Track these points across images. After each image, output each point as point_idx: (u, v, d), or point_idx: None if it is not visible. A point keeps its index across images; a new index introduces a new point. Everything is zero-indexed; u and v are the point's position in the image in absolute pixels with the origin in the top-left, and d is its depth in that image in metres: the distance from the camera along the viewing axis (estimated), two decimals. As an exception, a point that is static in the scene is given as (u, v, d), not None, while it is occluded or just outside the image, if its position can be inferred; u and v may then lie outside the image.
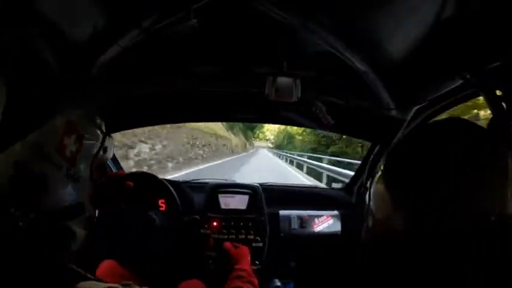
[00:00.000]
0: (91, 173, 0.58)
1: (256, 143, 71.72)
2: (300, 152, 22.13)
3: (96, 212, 0.97)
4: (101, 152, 0.60)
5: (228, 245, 1.20)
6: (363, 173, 1.62)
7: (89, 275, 0.52)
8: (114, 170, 1.70)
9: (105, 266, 1.10)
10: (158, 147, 9.13)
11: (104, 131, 0.63)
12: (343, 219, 1.66)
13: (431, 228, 0.45)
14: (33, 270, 0.47)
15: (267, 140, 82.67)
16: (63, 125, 0.51)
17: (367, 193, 0.59)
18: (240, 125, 34.16)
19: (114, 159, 1.73)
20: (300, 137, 28.10)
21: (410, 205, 0.47)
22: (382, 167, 0.54)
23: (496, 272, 0.42)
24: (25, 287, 0.46)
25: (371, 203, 0.57)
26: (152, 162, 8.55)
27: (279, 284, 1.55)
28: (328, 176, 9.05)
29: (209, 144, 15.88)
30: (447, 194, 0.44)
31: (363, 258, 0.63)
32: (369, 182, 0.61)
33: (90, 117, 0.58)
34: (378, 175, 0.55)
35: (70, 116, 0.52)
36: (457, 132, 0.48)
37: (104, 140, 0.60)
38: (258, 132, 78.64)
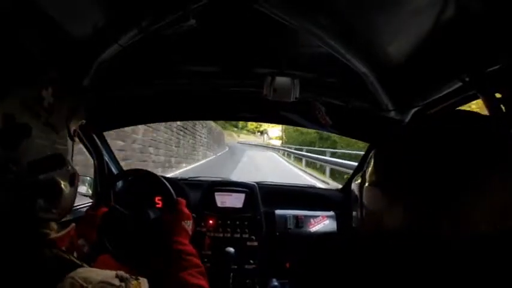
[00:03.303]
0: (67, 125, 0.61)
1: (242, 137, 52.15)
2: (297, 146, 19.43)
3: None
4: (74, 109, 0.64)
5: (182, 202, 1.11)
6: (361, 173, 1.62)
7: (84, 265, 0.52)
8: (113, 168, 1.70)
9: (101, 261, 1.10)
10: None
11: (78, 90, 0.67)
12: (339, 219, 1.66)
13: (426, 230, 0.44)
14: (20, 258, 0.47)
15: (261, 133, 60.08)
16: (43, 80, 0.55)
17: (360, 190, 0.58)
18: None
19: (113, 158, 1.72)
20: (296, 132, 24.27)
21: (402, 205, 0.46)
22: (373, 163, 0.54)
23: (494, 274, 0.41)
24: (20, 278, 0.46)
25: (363, 200, 0.56)
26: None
27: (276, 283, 1.55)
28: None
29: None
30: (443, 194, 0.42)
31: (355, 253, 0.63)
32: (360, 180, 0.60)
33: (65, 79, 0.62)
34: (369, 172, 0.54)
35: (48, 74, 0.56)
36: (459, 126, 0.46)
37: (76, 97, 0.64)
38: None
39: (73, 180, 0.60)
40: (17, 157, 0.49)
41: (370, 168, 0.55)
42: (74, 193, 0.61)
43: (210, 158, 16.19)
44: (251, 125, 54.72)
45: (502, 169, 0.41)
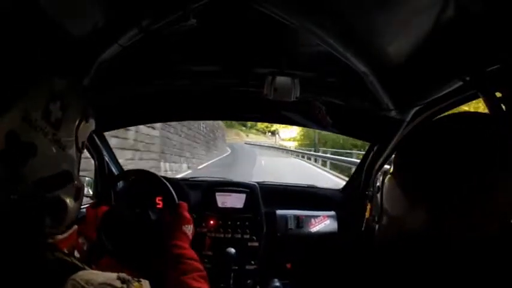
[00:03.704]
0: (76, 139, 0.59)
1: (251, 137, 48.09)
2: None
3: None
4: (84, 122, 0.61)
5: (183, 206, 1.10)
6: (361, 173, 1.62)
7: (86, 267, 0.52)
8: (114, 169, 1.70)
9: (104, 263, 1.10)
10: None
11: (87, 100, 0.65)
12: (339, 220, 1.66)
13: (449, 230, 0.44)
14: (23, 261, 0.47)
15: (272, 133, 53.91)
16: (48, 92, 0.52)
17: (379, 192, 0.58)
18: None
19: (114, 158, 1.72)
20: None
21: (427, 206, 0.46)
22: (394, 165, 0.54)
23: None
24: (20, 279, 0.46)
25: (384, 202, 0.56)
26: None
27: (278, 284, 1.55)
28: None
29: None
30: (466, 194, 0.43)
31: (372, 257, 0.63)
32: (379, 182, 0.60)
33: (73, 86, 0.60)
34: (390, 174, 0.54)
35: (55, 85, 0.53)
36: (479, 127, 0.46)
37: (85, 109, 0.62)
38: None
39: (78, 194, 0.59)
40: (21, 176, 0.48)
41: (390, 171, 0.55)
42: (79, 205, 0.61)
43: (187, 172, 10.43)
44: (261, 124, 47.66)
45: None
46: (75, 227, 0.61)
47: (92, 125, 0.64)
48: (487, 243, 0.42)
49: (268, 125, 47.66)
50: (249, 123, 44.66)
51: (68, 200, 0.55)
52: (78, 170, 0.62)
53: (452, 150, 0.45)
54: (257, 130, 57.99)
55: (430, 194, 0.45)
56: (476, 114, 0.49)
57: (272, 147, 30.17)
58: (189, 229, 1.02)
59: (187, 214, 1.07)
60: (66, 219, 0.56)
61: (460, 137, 0.45)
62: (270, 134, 56.64)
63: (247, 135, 50.17)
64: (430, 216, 0.45)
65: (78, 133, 0.59)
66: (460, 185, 0.43)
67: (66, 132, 0.55)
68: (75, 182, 0.58)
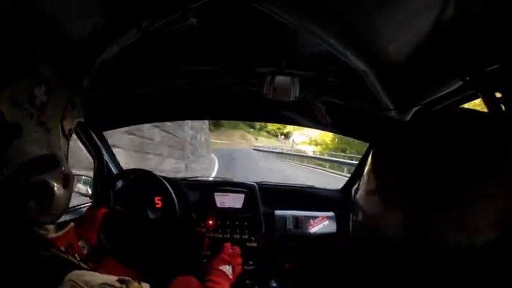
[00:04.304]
0: (61, 124, 0.59)
1: (260, 141, 39.76)
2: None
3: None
4: (69, 106, 0.61)
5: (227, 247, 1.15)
6: (361, 174, 1.62)
7: (83, 264, 0.52)
8: (113, 168, 1.70)
9: (104, 265, 1.10)
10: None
11: (75, 88, 0.65)
12: (338, 220, 1.66)
13: (424, 233, 0.43)
14: (19, 258, 0.47)
15: (286, 136, 45.91)
16: (35, 78, 0.53)
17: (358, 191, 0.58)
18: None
19: (113, 158, 1.72)
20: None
21: (401, 206, 0.46)
22: (370, 164, 0.53)
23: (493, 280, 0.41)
24: (16, 277, 0.46)
25: (360, 200, 0.55)
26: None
27: (275, 284, 1.55)
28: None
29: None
30: (443, 198, 0.41)
31: (353, 256, 0.62)
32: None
33: (59, 75, 0.60)
34: (367, 172, 0.53)
35: (40, 71, 0.55)
36: (460, 126, 0.44)
37: (72, 95, 0.62)
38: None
39: (67, 181, 0.58)
40: (6, 158, 0.48)
41: (366, 171, 0.54)
42: (69, 194, 0.60)
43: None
44: (271, 125, 41.88)
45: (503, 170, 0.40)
46: (72, 224, 0.61)
47: (79, 113, 0.64)
48: (474, 245, 0.41)
49: (281, 126, 41.17)
50: (257, 125, 39.60)
51: (54, 185, 0.55)
52: (66, 158, 0.62)
53: (432, 151, 0.43)
54: (268, 132, 47.95)
55: (409, 194, 0.44)
56: (460, 111, 0.48)
57: (292, 154, 21.22)
58: (227, 269, 1.05)
59: (225, 256, 1.11)
60: (54, 206, 0.55)
61: (445, 135, 0.44)
62: (282, 137, 49.00)
63: (257, 139, 41.66)
64: (407, 220, 0.44)
65: (65, 118, 0.60)
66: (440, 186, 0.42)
67: (51, 115, 0.56)
68: (63, 168, 0.57)
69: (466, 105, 0.95)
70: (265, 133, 46.51)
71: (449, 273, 0.42)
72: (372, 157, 0.53)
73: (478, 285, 0.41)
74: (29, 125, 0.51)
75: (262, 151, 23.39)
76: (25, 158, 0.51)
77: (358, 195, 0.55)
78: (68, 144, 0.62)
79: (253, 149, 26.27)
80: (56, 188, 0.55)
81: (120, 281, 0.50)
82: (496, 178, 0.40)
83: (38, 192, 0.53)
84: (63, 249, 0.55)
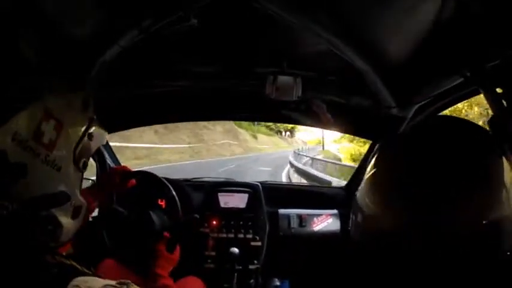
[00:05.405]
0: (74, 159, 0.56)
1: (260, 141, 33.03)
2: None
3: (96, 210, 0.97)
4: (86, 138, 0.57)
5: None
6: (364, 171, 1.62)
7: (86, 270, 0.53)
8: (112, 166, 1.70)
9: (105, 265, 1.10)
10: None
11: (92, 117, 0.62)
12: (342, 218, 1.66)
13: (421, 229, 0.44)
14: (23, 265, 0.47)
15: (290, 132, 40.50)
16: (42, 112, 0.49)
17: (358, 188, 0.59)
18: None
19: (115, 160, 1.73)
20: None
21: (400, 204, 0.46)
22: (373, 163, 0.54)
23: (486, 274, 0.41)
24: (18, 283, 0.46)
25: (360, 199, 0.56)
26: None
27: (278, 283, 1.55)
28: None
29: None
30: (439, 195, 0.43)
31: (353, 254, 0.63)
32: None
33: (73, 104, 0.56)
34: (369, 171, 0.54)
35: (49, 103, 0.50)
36: (453, 131, 0.48)
37: (88, 127, 0.59)
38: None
39: (77, 213, 0.57)
40: (12, 195, 0.46)
41: (369, 168, 0.55)
42: (78, 224, 0.59)
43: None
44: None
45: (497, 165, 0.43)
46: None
47: (98, 140, 0.60)
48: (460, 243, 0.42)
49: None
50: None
51: (62, 218, 0.53)
52: (80, 188, 0.59)
53: (431, 152, 0.46)
54: (269, 128, 40.33)
55: (408, 193, 0.46)
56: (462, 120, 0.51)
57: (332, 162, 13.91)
58: None
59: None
60: (62, 236, 0.54)
61: (442, 139, 0.47)
62: (287, 134, 42.62)
63: (256, 138, 33.65)
64: (401, 216, 0.46)
65: (78, 152, 0.56)
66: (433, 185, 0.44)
67: (61, 152, 0.52)
68: (73, 201, 0.55)
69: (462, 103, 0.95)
70: (264, 129, 38.56)
71: (447, 266, 0.43)
72: (375, 155, 0.54)
73: (478, 284, 0.42)
74: (35, 164, 0.48)
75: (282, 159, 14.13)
76: (31, 195, 0.48)
77: (360, 192, 0.56)
78: (82, 176, 0.59)
79: (264, 155, 17.25)
80: (63, 220, 0.54)
81: (120, 283, 0.51)
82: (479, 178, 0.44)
83: (46, 225, 0.51)
84: (64, 254, 0.54)
